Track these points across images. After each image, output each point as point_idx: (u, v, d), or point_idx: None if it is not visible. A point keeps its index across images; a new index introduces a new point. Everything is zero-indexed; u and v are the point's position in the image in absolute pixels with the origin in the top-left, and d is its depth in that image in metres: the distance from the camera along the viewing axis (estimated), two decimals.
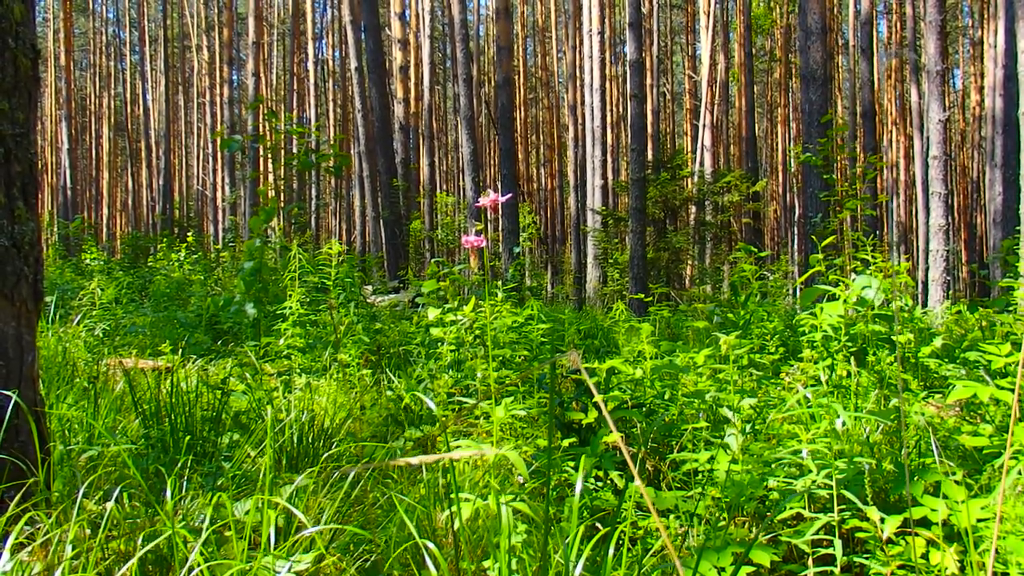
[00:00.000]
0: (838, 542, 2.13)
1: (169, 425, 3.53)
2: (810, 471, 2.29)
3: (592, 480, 3.32)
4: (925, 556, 2.51)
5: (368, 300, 10.42)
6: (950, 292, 12.25)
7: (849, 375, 3.38)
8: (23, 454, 2.20)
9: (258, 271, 4.53)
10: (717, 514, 2.95)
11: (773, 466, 2.81)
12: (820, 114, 13.38)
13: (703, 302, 21.86)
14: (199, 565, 1.74)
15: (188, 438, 3.51)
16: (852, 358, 3.33)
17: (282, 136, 8.95)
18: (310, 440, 3.69)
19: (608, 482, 3.39)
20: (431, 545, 1.73)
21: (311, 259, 6.36)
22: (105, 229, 45.68)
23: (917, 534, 2.57)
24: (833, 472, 2.25)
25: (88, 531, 2.18)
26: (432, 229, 31.64)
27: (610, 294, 20.27)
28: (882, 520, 2.25)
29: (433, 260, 6.61)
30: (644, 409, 3.74)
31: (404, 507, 2.59)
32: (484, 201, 1.86)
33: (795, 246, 41.79)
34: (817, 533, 2.31)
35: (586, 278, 25.44)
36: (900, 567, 2.42)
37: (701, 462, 3.06)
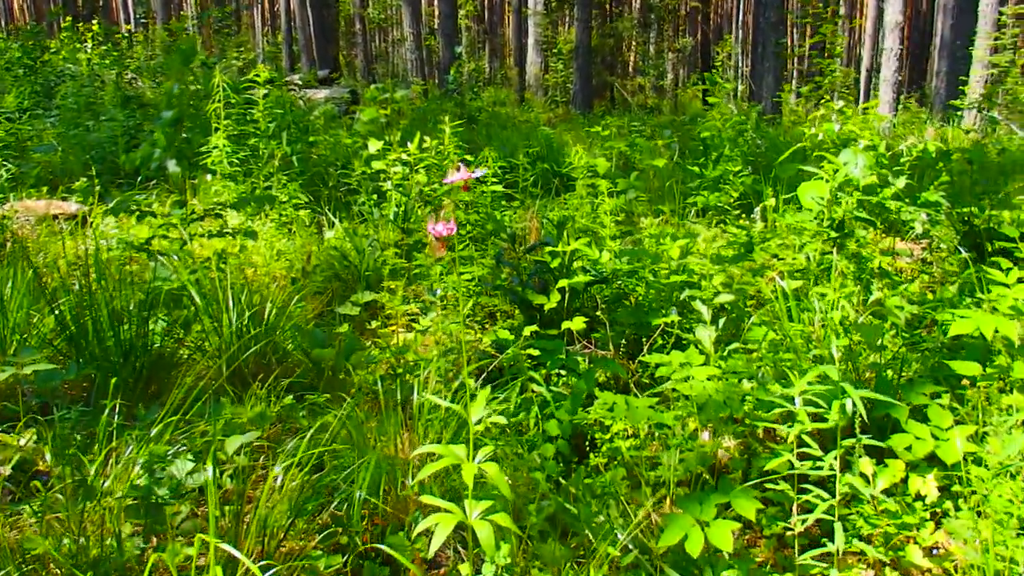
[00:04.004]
0: (838, 526, 2.00)
1: (91, 319, 3.18)
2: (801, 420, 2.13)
3: (555, 376, 3.15)
4: (905, 480, 2.45)
5: (298, 97, 9.72)
6: (900, 96, 12.03)
7: (829, 263, 3.19)
8: None
9: (179, 121, 4.01)
10: (688, 419, 2.83)
11: (751, 385, 2.66)
12: None
13: (642, 92, 21.32)
14: None
15: (112, 331, 3.19)
16: (834, 247, 3.13)
17: None
18: (251, 328, 3.41)
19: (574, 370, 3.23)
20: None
21: (236, 85, 5.74)
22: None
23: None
24: (831, 412, 2.09)
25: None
26: (363, 6, 29.62)
27: (552, 85, 19.52)
28: (875, 475, 2.13)
29: (373, 86, 6.05)
30: (609, 289, 3.53)
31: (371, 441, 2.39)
32: (453, 178, 1.50)
33: (740, 20, 40.52)
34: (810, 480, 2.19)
35: (526, 61, 24.40)
36: (884, 492, 2.34)
37: (673, 366, 2.90)
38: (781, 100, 12.52)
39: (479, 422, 1.64)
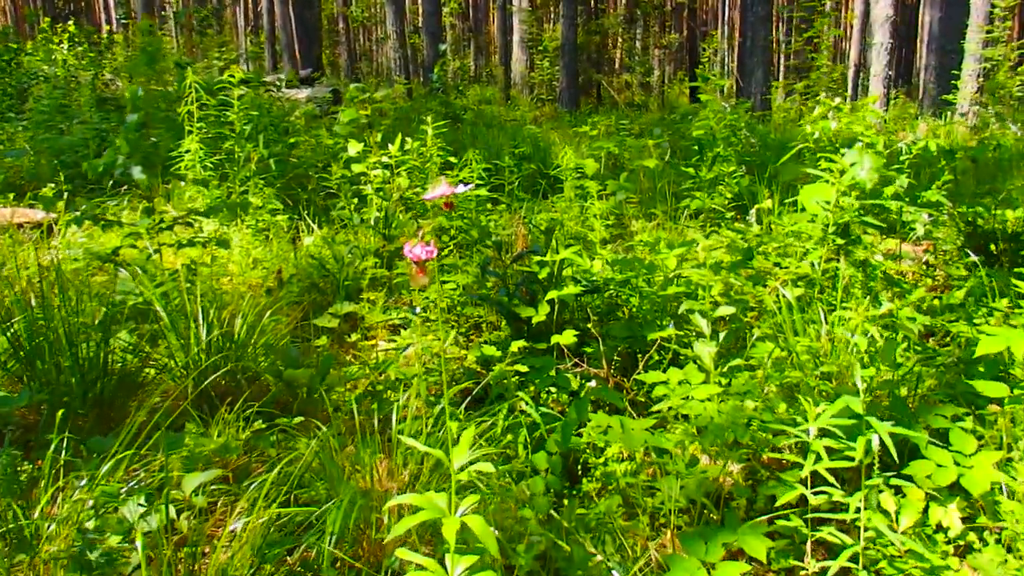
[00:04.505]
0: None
1: (45, 339, 2.96)
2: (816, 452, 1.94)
3: (545, 394, 2.96)
4: (926, 511, 2.26)
5: (278, 98, 9.48)
6: (891, 91, 11.88)
7: (835, 271, 3.00)
8: None
9: (144, 124, 3.78)
10: (688, 444, 2.63)
11: (755, 405, 2.46)
12: None
13: (629, 89, 21.10)
14: None
15: (70, 351, 2.97)
16: (841, 254, 2.94)
17: None
18: (221, 344, 3.19)
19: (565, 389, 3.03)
20: None
21: (210, 86, 5.51)
22: None
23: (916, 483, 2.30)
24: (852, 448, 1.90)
25: None
26: (346, 5, 29.28)
27: (539, 82, 19.32)
28: (898, 512, 1.94)
29: (353, 86, 5.84)
30: (600, 300, 3.33)
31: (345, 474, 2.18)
32: (433, 194, 1.30)
33: (726, 16, 40.49)
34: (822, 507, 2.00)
35: (512, 59, 24.19)
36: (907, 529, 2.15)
37: (671, 384, 2.70)
38: (771, 96, 12.38)
39: (463, 469, 1.44)
